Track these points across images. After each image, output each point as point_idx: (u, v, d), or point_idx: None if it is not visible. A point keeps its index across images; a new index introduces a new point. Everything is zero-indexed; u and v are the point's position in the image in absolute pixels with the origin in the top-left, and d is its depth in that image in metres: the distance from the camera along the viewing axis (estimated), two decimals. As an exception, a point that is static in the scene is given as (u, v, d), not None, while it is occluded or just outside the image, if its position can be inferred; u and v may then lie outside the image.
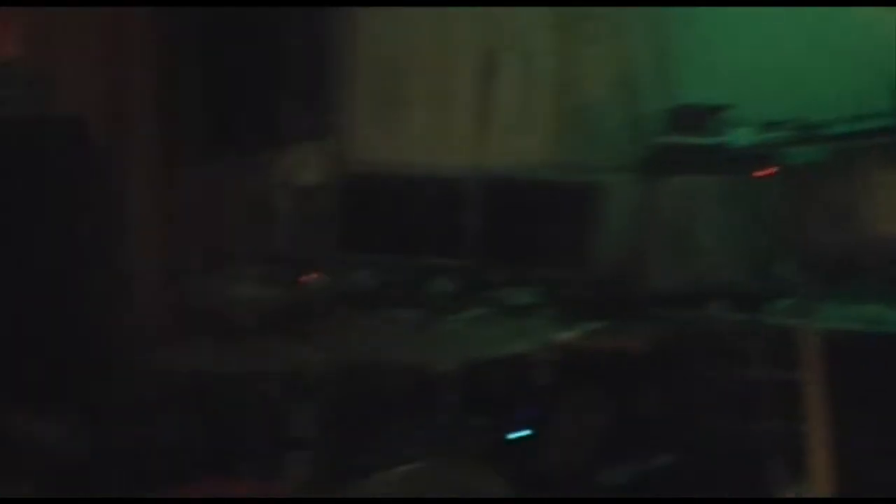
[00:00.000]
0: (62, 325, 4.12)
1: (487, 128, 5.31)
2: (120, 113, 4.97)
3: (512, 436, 4.45)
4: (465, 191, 5.16)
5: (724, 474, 4.34)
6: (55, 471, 3.17)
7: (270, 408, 4.52)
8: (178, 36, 5.18)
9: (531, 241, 5.07)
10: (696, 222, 4.98)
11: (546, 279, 4.96)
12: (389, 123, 5.49)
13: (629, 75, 5.27)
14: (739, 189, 4.90)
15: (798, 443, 3.64)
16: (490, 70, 5.27)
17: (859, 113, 4.66)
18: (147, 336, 4.99)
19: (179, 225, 5.31)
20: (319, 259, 5.28)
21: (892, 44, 4.74)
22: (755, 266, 4.81)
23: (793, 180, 4.69)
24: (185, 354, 3.79)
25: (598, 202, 5.05)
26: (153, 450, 4.58)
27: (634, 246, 5.07)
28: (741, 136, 4.86)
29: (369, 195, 5.33)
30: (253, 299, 4.65)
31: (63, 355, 4.06)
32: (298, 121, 5.24)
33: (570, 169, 5.25)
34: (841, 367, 3.67)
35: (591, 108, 5.33)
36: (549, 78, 5.33)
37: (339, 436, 4.43)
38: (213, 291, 4.85)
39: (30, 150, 4.08)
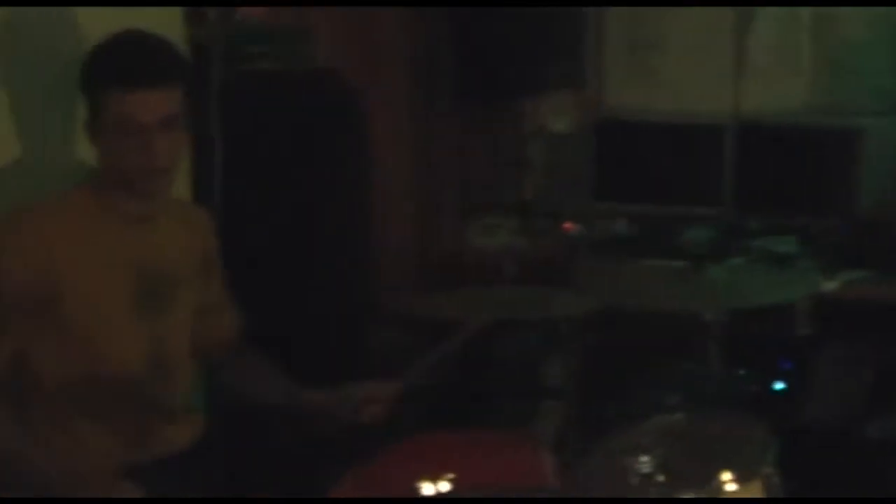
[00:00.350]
0: (318, 273, 4.19)
1: (746, 71, 5.20)
2: (375, 64, 5.01)
3: (775, 386, 4.37)
4: (724, 137, 5.07)
5: None
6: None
7: (528, 356, 4.53)
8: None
9: (792, 188, 4.95)
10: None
11: (807, 227, 4.85)
12: (645, 69, 5.41)
13: (893, 14, 5.08)
14: None
15: None
16: (748, 11, 5.15)
17: None
18: (404, 285, 5.05)
19: (435, 174, 5.35)
20: (575, 208, 5.26)
21: None
22: None
23: None
24: (442, 303, 3.81)
25: (862, 147, 4.90)
26: (408, 397, 4.64)
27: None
28: None
29: (625, 142, 5.28)
30: (509, 248, 4.67)
31: (320, 304, 4.13)
32: (553, 68, 5.22)
33: (832, 113, 5.10)
34: None
35: (853, 50, 5.16)
36: (809, 19, 5.17)
37: (597, 385, 4.42)
38: (469, 240, 4.88)
39: (288, 104, 4.15)
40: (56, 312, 2.81)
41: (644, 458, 2.71)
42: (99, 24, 3.02)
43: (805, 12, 5.17)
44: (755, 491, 2.70)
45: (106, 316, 2.88)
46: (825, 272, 4.54)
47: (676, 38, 5.34)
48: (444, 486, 2.68)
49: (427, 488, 2.67)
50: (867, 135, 4.92)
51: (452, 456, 2.81)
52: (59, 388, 2.83)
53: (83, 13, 3.19)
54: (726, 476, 2.70)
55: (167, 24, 3.48)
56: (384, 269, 4.97)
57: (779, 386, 4.43)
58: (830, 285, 4.51)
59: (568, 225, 5.09)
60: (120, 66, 2.79)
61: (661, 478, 2.70)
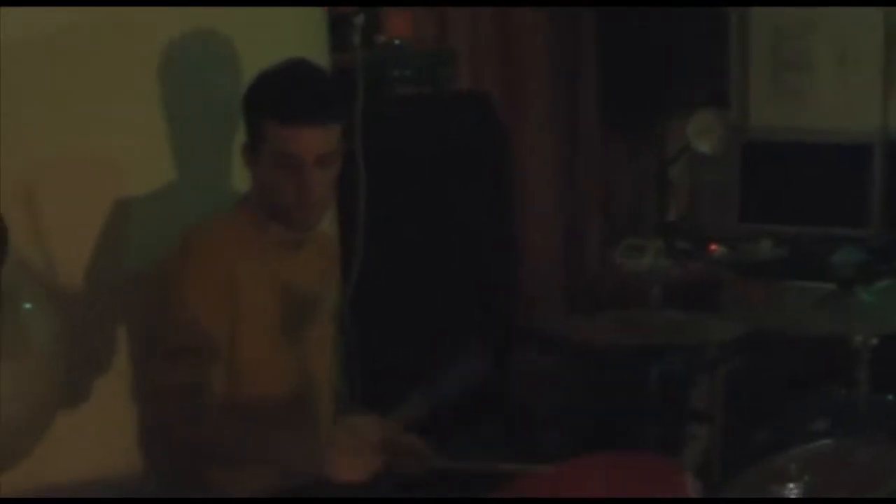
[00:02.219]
0: (463, 297, 4.21)
1: (894, 89, 5.10)
2: (519, 87, 5.03)
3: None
4: (872, 156, 4.98)
5: None
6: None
7: (674, 381, 4.49)
8: (572, 9, 5.21)
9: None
10: None
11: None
12: (790, 88, 5.34)
13: None
14: None
15: None
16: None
17: None
18: (549, 308, 5.05)
19: (580, 196, 5.34)
20: (720, 229, 5.21)
21: None
22: None
23: None
24: (587, 326, 3.80)
25: None
26: (552, 421, 4.63)
27: None
28: None
29: (770, 163, 5.22)
30: (654, 270, 4.63)
31: (464, 327, 4.15)
32: (697, 89, 5.19)
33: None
34: None
35: None
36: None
37: (744, 410, 4.36)
38: (614, 263, 4.86)
39: (432, 128, 4.18)
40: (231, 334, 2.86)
41: (791, 485, 2.68)
42: (251, 51, 3.07)
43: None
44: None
45: (260, 338, 2.92)
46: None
47: (822, 57, 5.26)
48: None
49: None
50: None
51: (598, 479, 2.80)
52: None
53: (237, 40, 3.23)
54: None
55: (313, 50, 3.53)
56: (529, 292, 4.97)
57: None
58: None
59: (713, 247, 5.05)
60: (283, 100, 2.82)
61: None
